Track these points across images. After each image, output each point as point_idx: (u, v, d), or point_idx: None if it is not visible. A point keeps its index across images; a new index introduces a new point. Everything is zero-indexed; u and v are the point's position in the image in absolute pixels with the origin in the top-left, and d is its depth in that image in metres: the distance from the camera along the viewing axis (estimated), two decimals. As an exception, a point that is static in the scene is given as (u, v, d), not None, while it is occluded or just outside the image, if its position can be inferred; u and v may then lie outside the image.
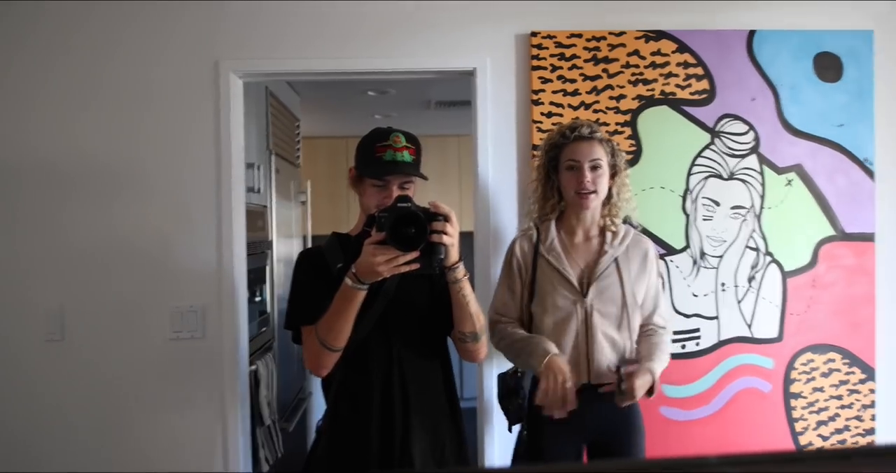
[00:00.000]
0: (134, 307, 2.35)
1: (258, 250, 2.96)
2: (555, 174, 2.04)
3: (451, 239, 1.52)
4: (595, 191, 1.97)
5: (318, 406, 4.10)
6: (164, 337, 2.35)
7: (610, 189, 2.03)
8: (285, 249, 3.56)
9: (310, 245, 4.17)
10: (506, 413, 2.08)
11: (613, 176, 2.03)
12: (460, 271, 1.57)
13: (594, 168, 1.97)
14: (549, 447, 1.98)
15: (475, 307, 1.65)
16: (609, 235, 2.04)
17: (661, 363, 1.99)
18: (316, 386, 3.89)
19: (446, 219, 1.51)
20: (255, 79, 2.47)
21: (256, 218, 2.92)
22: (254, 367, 2.62)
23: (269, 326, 3.14)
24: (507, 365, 2.15)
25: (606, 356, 1.97)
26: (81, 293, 2.34)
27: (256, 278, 2.96)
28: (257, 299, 3.00)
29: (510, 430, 2.09)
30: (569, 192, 2.00)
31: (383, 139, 1.65)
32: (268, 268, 3.17)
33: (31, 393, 2.34)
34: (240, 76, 2.38)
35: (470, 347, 1.70)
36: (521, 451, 2.05)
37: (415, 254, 1.49)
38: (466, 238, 1.70)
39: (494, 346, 2.06)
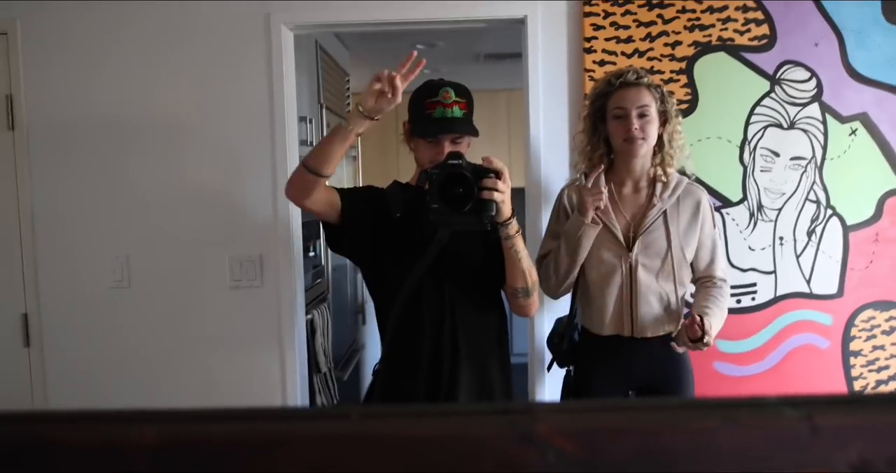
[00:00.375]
0: (195, 255, 2.42)
1: (311, 204, 2.99)
2: (602, 124, 1.98)
3: (502, 196, 1.51)
4: (643, 138, 1.90)
5: (370, 357, 4.19)
6: (225, 285, 2.42)
7: (660, 136, 1.95)
8: (337, 204, 3.59)
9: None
10: (553, 352, 2.11)
11: (664, 123, 1.95)
12: (513, 227, 1.57)
13: (642, 115, 1.90)
14: (595, 392, 1.99)
15: (527, 263, 1.65)
16: (659, 186, 1.97)
17: (718, 317, 1.95)
18: (369, 337, 3.97)
19: (498, 174, 1.50)
20: (306, 30, 2.47)
21: (308, 172, 2.95)
22: (310, 316, 2.69)
23: (323, 278, 3.20)
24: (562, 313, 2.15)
25: (652, 310, 1.95)
26: (146, 242, 2.42)
27: (310, 232, 3.00)
28: (310, 254, 3.06)
29: (548, 369, 2.16)
30: (617, 141, 1.95)
31: (433, 95, 1.65)
32: (320, 223, 3.20)
33: (102, 335, 2.44)
34: (290, 28, 2.38)
35: (521, 302, 1.71)
36: (567, 393, 2.09)
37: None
38: (517, 194, 1.69)
39: (546, 279, 2.00)
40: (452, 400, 1.65)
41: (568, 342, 2.06)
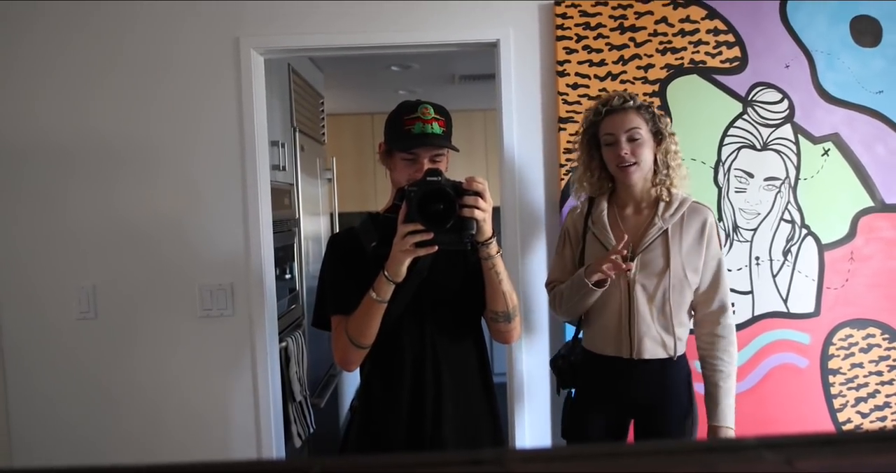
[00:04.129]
0: (164, 285, 2.37)
1: (285, 228, 2.96)
2: (597, 151, 1.98)
3: (483, 214, 1.47)
4: (636, 163, 1.89)
5: (350, 382, 4.13)
6: (194, 314, 2.37)
7: (656, 157, 1.93)
8: (313, 227, 3.56)
9: (337, 222, 4.18)
10: (556, 374, 2.12)
11: (659, 143, 1.93)
12: (493, 247, 1.54)
13: (631, 139, 1.89)
14: (596, 415, 1.98)
15: (508, 285, 1.61)
16: (661, 205, 1.93)
17: (730, 405, 1.92)
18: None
19: (478, 194, 1.47)
20: (277, 55, 2.45)
21: (283, 195, 2.92)
22: (283, 344, 2.63)
23: (298, 303, 3.15)
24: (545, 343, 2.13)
25: (650, 331, 1.91)
26: (114, 272, 2.36)
27: (285, 256, 2.97)
28: (287, 277, 3.02)
29: (558, 392, 2.15)
30: (612, 167, 1.94)
31: (412, 111, 1.61)
32: (296, 246, 3.17)
33: (68, 369, 2.38)
34: (261, 53, 2.36)
35: (502, 327, 1.66)
36: (567, 417, 2.06)
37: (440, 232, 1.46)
38: (494, 213, 1.66)
39: (553, 307, 2.08)
40: (437, 438, 1.60)
41: (569, 363, 2.06)
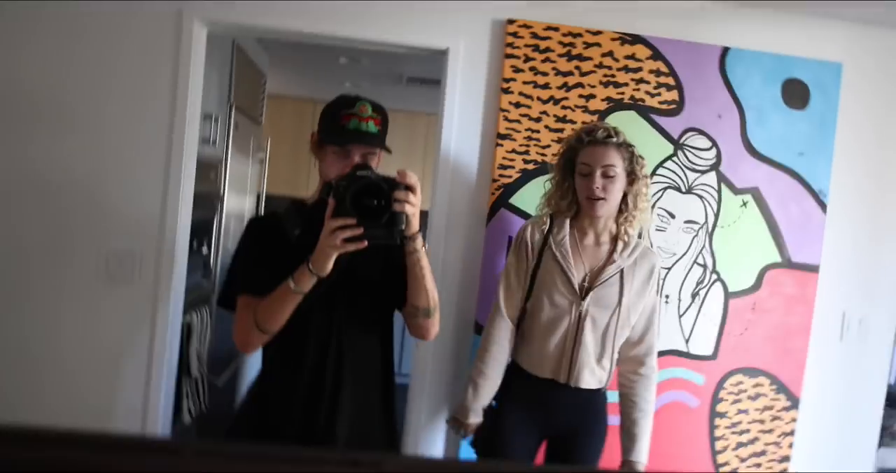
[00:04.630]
0: (67, 244, 2.25)
1: (207, 202, 2.87)
2: (570, 176, 1.99)
3: (413, 209, 1.47)
4: (605, 199, 1.91)
5: (252, 364, 4.04)
6: (98, 277, 2.26)
7: (625, 195, 1.96)
8: (237, 204, 3.47)
9: (263, 203, 4.09)
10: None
11: (632, 183, 1.95)
12: (419, 241, 1.53)
13: (606, 174, 1.91)
14: (512, 432, 2.00)
15: (430, 280, 1.60)
16: (620, 244, 1.98)
17: (647, 442, 2.03)
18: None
19: (409, 188, 1.45)
20: (221, 29, 2.37)
21: (209, 170, 2.83)
22: (188, 318, 2.55)
23: (210, 279, 3.06)
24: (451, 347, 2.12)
25: (590, 361, 1.96)
26: (20, 230, 2.24)
27: (203, 229, 2.88)
28: (203, 252, 2.93)
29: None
30: (581, 196, 1.96)
31: (349, 107, 1.58)
32: (216, 221, 3.08)
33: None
34: (203, 24, 2.27)
35: (421, 322, 1.65)
36: (486, 427, 2.06)
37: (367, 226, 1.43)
38: (421, 217, 1.64)
39: (485, 341, 2.07)
40: (330, 432, 1.58)
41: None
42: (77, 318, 2.28)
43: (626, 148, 1.94)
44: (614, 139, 1.92)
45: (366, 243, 1.44)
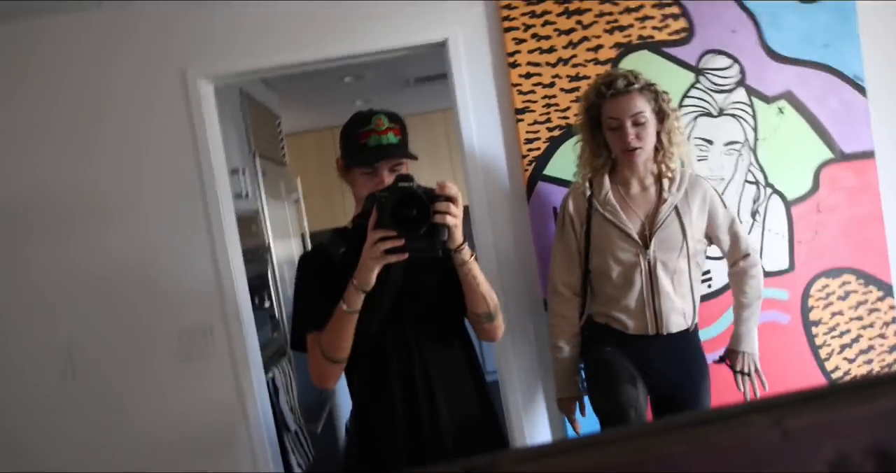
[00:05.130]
0: (139, 335, 2.33)
1: (256, 256, 2.93)
2: (599, 131, 1.97)
3: (455, 220, 1.45)
4: (641, 147, 1.90)
5: (343, 403, 4.10)
6: (175, 358, 2.33)
7: (659, 134, 1.94)
8: (284, 250, 3.53)
9: (309, 242, 4.15)
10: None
11: (662, 120, 1.93)
12: (466, 252, 1.52)
13: (636, 123, 1.88)
14: (616, 377, 1.96)
15: (486, 287, 1.60)
16: (666, 182, 1.97)
17: (746, 331, 2.09)
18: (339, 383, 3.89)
19: (450, 199, 1.45)
20: (226, 81, 2.43)
21: (249, 223, 2.89)
22: (270, 375, 2.60)
23: (279, 331, 3.11)
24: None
25: (674, 305, 1.96)
26: (86, 328, 2.32)
27: (260, 284, 2.93)
28: (265, 306, 2.98)
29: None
30: (616, 150, 1.95)
31: (365, 124, 1.58)
32: (269, 273, 3.14)
33: (52, 431, 2.33)
34: (209, 81, 2.34)
35: (486, 327, 1.66)
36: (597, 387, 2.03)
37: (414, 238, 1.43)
38: (463, 212, 1.65)
39: (550, 317, 2.11)
40: (438, 449, 1.57)
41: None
42: (168, 403, 2.34)
43: (649, 89, 1.91)
44: (636, 85, 1.89)
45: (406, 255, 1.43)
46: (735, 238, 2.07)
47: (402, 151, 1.61)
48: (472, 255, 1.54)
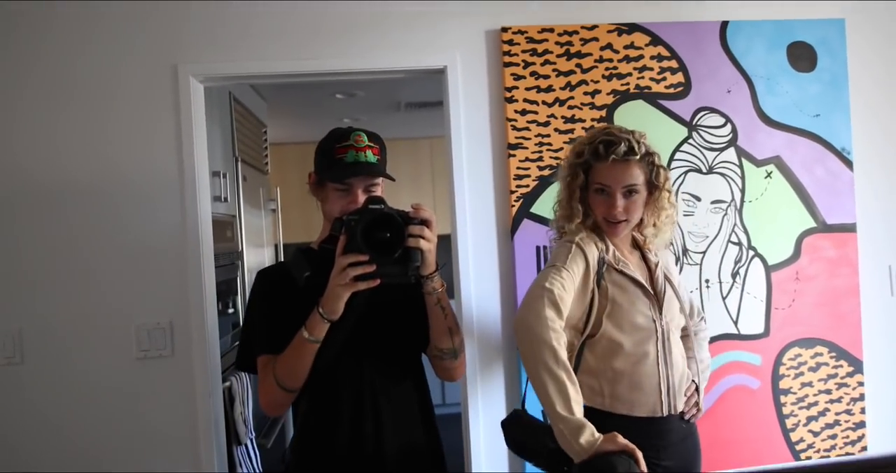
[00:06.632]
0: (97, 326, 2.22)
1: (228, 261, 2.85)
2: (584, 191, 1.75)
3: (429, 245, 1.38)
4: (626, 220, 1.72)
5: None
6: (131, 356, 2.23)
7: (646, 206, 1.75)
8: (256, 259, 3.45)
9: (282, 253, 4.07)
10: (542, 461, 1.66)
11: (652, 192, 1.74)
12: (437, 281, 1.44)
13: (628, 193, 1.69)
14: None
15: (453, 320, 1.52)
16: (648, 248, 1.83)
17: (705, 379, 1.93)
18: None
19: (425, 223, 1.38)
20: (217, 83, 2.37)
21: (225, 228, 2.82)
22: (227, 383, 2.51)
23: (241, 339, 3.02)
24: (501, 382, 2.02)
25: (683, 378, 1.75)
26: (41, 314, 2.21)
27: (227, 290, 2.85)
28: (230, 312, 2.90)
29: None
30: (597, 216, 1.74)
31: (344, 139, 1.51)
32: (239, 279, 3.06)
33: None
34: (200, 80, 2.27)
35: (448, 364, 1.56)
36: None
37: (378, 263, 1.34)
38: (443, 241, 1.58)
39: (524, 352, 1.53)
40: None
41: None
42: (117, 400, 2.23)
43: (649, 160, 1.71)
44: (637, 156, 1.67)
45: (378, 281, 1.35)
46: (691, 304, 1.96)
47: (380, 171, 1.53)
48: (442, 285, 1.46)
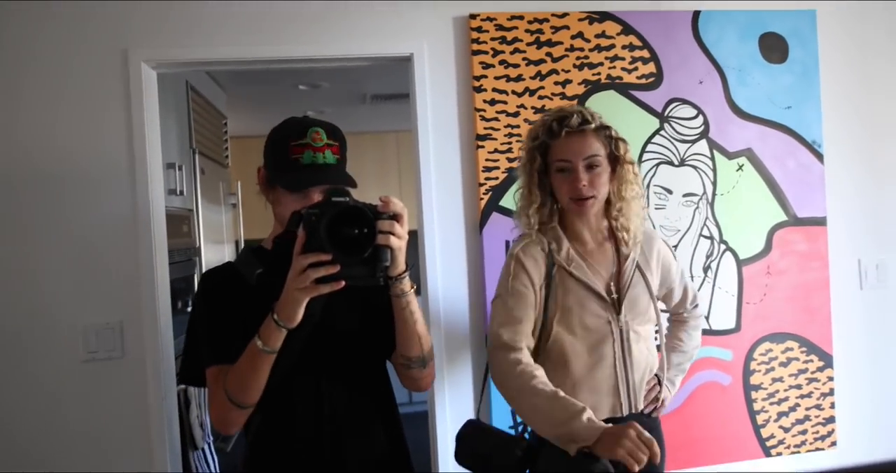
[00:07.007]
0: (40, 326, 2.09)
1: (184, 257, 2.73)
2: (545, 176, 1.68)
3: (400, 243, 1.21)
4: (594, 196, 1.62)
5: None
6: (76, 358, 2.10)
7: (611, 184, 1.67)
8: (216, 255, 3.33)
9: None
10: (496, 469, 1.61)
11: (615, 169, 1.67)
12: (407, 282, 1.29)
13: (590, 166, 1.61)
14: None
15: (422, 325, 1.37)
16: (623, 235, 1.70)
17: (677, 383, 1.90)
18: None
19: (395, 218, 1.21)
20: (171, 69, 2.25)
21: (181, 222, 2.70)
22: (182, 386, 2.39)
23: (199, 339, 2.90)
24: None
25: (644, 376, 1.70)
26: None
27: (184, 288, 2.73)
28: (187, 310, 2.78)
29: None
30: (563, 198, 1.66)
31: (299, 135, 1.33)
32: (196, 277, 2.94)
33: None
34: (153, 66, 2.15)
35: (415, 374, 1.42)
36: None
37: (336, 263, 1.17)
38: (410, 237, 1.45)
39: (499, 382, 1.60)
40: None
41: (525, 447, 1.60)
42: (64, 405, 2.10)
43: (605, 131, 1.65)
44: (592, 124, 1.63)
45: (343, 284, 1.18)
46: (685, 291, 1.92)
47: (340, 174, 1.37)
48: (412, 287, 1.32)
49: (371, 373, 1.47)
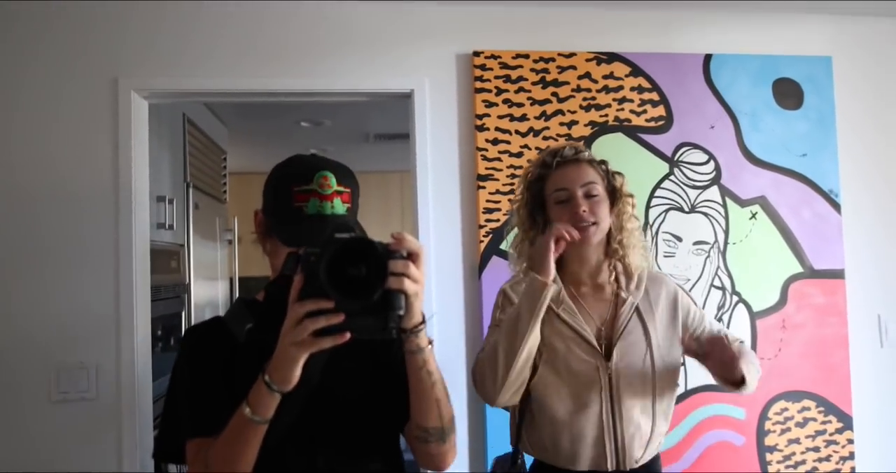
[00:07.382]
0: (8, 364, 1.97)
1: (172, 294, 2.62)
2: (541, 213, 1.62)
3: (416, 287, 0.98)
4: (595, 223, 1.54)
5: None
6: (45, 398, 1.98)
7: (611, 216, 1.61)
8: (207, 292, 3.22)
9: (237, 288, 3.82)
10: None
11: (613, 203, 1.61)
12: (423, 337, 1.06)
13: (588, 194, 1.55)
14: None
15: (442, 390, 1.13)
16: (623, 278, 1.62)
17: (751, 362, 1.57)
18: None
19: (410, 257, 0.98)
20: (163, 99, 2.18)
21: (169, 257, 2.60)
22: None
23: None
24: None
25: (639, 432, 1.55)
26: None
27: (172, 325, 2.62)
28: (175, 347, 2.66)
29: None
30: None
31: (305, 180, 1.15)
32: (185, 314, 2.82)
33: None
34: (144, 96, 2.09)
35: (433, 449, 1.17)
36: None
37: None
38: None
39: (481, 385, 1.54)
40: None
41: None
42: (31, 449, 1.97)
43: (599, 164, 1.62)
44: (585, 154, 1.61)
45: (348, 336, 0.95)
46: (710, 325, 1.69)
47: (350, 227, 1.07)
48: (430, 342, 1.09)
49: (380, 448, 1.23)
